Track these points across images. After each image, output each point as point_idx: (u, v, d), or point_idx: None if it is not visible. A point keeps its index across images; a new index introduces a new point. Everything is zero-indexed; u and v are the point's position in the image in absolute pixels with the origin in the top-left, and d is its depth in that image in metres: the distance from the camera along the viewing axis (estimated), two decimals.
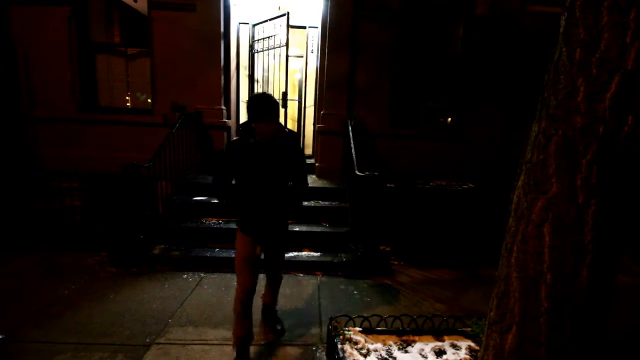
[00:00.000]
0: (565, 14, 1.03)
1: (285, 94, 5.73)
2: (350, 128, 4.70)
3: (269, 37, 5.80)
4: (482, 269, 3.97)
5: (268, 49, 5.88)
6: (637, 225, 1.09)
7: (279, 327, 2.65)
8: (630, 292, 3.48)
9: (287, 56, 5.49)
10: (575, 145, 1.00)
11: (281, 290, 3.41)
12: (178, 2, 4.81)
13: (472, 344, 2.05)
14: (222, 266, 3.70)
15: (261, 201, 2.18)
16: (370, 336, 2.11)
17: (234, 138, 2.17)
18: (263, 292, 2.62)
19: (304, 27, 5.73)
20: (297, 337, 2.63)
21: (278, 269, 2.54)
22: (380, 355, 1.96)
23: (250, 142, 2.08)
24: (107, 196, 4.64)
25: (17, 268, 3.62)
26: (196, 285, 3.37)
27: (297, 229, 4.07)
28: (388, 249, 4.38)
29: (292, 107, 6.42)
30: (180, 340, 2.55)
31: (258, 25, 5.83)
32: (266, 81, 6.85)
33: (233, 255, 2.32)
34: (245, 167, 2.13)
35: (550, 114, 1.06)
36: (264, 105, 2.02)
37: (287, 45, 5.36)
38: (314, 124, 5.64)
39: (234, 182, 2.22)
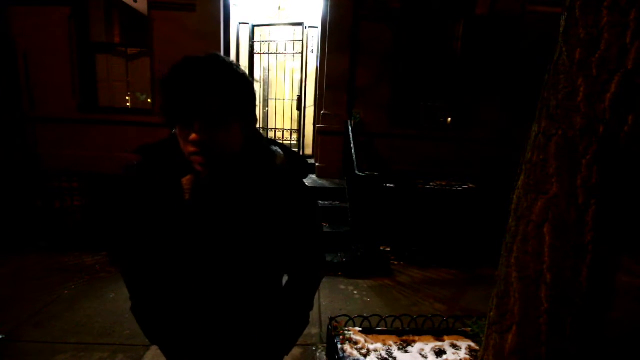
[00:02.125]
0: (565, 14, 1.03)
1: (300, 98, 5.77)
2: (350, 128, 4.70)
3: (275, 42, 5.83)
4: (482, 269, 3.97)
5: (277, 54, 5.90)
6: (637, 225, 1.09)
7: None
8: (630, 292, 3.48)
9: (302, 62, 5.57)
10: (575, 145, 1.00)
11: None
12: (178, 2, 4.81)
13: (472, 344, 2.05)
14: None
15: (202, 320, 0.97)
16: (370, 336, 2.11)
17: (134, 166, 0.93)
18: None
19: (304, 26, 5.73)
20: None
21: None
22: (380, 355, 1.96)
23: (171, 186, 0.89)
24: (107, 196, 4.63)
25: (16, 268, 3.62)
26: None
27: None
28: (388, 249, 4.38)
29: (292, 106, 6.43)
30: None
31: (261, 27, 5.84)
32: (267, 81, 6.86)
33: None
34: (162, 241, 0.92)
35: (550, 114, 1.05)
36: (204, 84, 0.76)
37: (302, 53, 5.42)
38: (314, 124, 5.64)
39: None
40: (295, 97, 6.22)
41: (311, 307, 1.12)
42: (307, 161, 1.07)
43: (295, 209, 0.98)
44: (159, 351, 2.50)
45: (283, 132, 6.31)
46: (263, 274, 1.00)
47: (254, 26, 5.73)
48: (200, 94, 0.76)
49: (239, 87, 0.82)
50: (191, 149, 0.80)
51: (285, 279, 1.11)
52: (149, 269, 0.97)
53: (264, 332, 1.03)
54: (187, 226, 0.89)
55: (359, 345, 2.00)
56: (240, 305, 0.97)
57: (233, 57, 5.45)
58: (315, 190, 4.67)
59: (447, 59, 5.22)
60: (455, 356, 1.95)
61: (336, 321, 2.16)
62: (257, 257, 0.95)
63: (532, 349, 1.12)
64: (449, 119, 5.43)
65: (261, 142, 0.97)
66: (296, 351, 2.47)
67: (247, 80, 0.84)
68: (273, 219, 0.94)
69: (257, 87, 6.53)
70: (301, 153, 6.04)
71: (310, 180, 5.06)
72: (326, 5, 4.94)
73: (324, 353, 2.44)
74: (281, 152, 1.00)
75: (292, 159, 1.00)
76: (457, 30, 5.19)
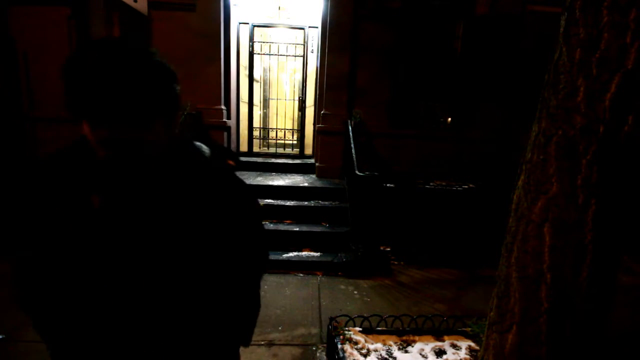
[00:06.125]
0: (565, 14, 1.03)
1: (300, 98, 5.77)
2: (350, 128, 4.70)
3: (276, 43, 5.85)
4: (482, 269, 3.97)
5: (278, 55, 5.91)
6: (637, 225, 1.09)
7: None
8: (630, 292, 3.47)
9: (303, 63, 5.61)
10: (575, 145, 1.00)
11: (281, 290, 3.41)
12: (178, 2, 4.81)
13: (472, 344, 2.05)
14: None
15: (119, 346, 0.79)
16: (371, 336, 2.11)
17: (38, 164, 0.82)
18: None
19: (305, 30, 5.73)
20: (297, 337, 2.63)
21: None
22: (381, 355, 1.96)
23: (79, 194, 0.74)
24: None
25: None
26: None
27: (297, 229, 4.07)
28: (388, 249, 4.38)
29: (292, 106, 6.43)
30: None
31: (261, 27, 5.84)
32: (267, 81, 6.87)
33: None
34: (66, 258, 0.75)
35: (550, 114, 1.06)
36: (121, 71, 0.62)
37: (303, 56, 5.42)
38: (314, 124, 5.64)
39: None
40: (295, 98, 6.22)
41: (249, 330, 0.99)
42: (236, 154, 0.97)
43: (224, 206, 0.84)
44: None
45: (285, 132, 6.31)
46: (192, 283, 0.82)
47: (254, 26, 5.73)
48: (114, 86, 0.61)
49: (154, 73, 0.68)
50: (103, 151, 0.66)
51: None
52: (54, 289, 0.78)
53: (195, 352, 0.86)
54: (98, 238, 0.73)
55: (359, 345, 2.00)
56: (165, 325, 0.81)
57: (233, 56, 5.45)
58: (315, 190, 4.67)
59: (447, 58, 5.22)
60: (456, 356, 1.95)
61: (336, 321, 2.16)
62: (185, 265, 0.79)
63: (532, 349, 1.12)
64: (449, 119, 5.43)
65: (184, 139, 0.87)
66: (296, 351, 2.48)
67: (170, 70, 0.72)
68: (199, 220, 0.80)
69: (257, 87, 6.54)
70: (302, 153, 6.06)
71: (310, 179, 5.06)
72: (326, 6, 4.94)
73: (324, 353, 2.44)
74: (206, 148, 0.90)
75: (219, 153, 0.91)
76: (457, 30, 5.19)
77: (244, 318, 0.96)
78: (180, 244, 0.78)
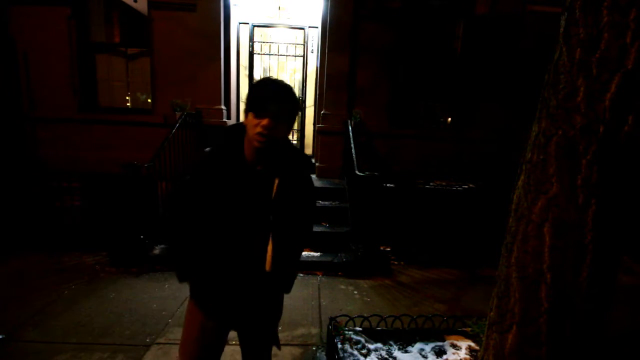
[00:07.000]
0: (565, 14, 1.03)
1: (300, 99, 5.80)
2: (350, 128, 4.70)
3: (276, 43, 5.85)
4: (482, 269, 3.97)
5: (278, 55, 5.91)
6: (637, 225, 1.09)
7: None
8: (630, 292, 3.47)
9: (303, 63, 5.62)
10: (575, 145, 1.00)
11: None
12: (178, 2, 4.81)
13: (472, 344, 2.05)
14: None
15: (245, 267, 1.33)
16: (371, 336, 2.11)
17: (206, 150, 1.37)
18: None
19: (305, 30, 5.73)
20: (297, 337, 2.63)
21: None
22: (381, 355, 1.96)
23: (236, 164, 1.28)
24: (107, 196, 4.63)
25: (17, 268, 3.62)
26: None
27: None
28: (388, 249, 4.38)
29: None
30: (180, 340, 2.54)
31: (261, 27, 5.84)
32: None
33: None
34: (219, 210, 1.28)
35: (550, 114, 1.06)
36: (281, 94, 1.21)
37: (303, 56, 5.41)
38: (314, 124, 5.64)
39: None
40: None
41: (298, 261, 1.58)
42: (310, 159, 1.51)
43: (307, 191, 1.40)
44: (159, 351, 2.50)
45: None
46: (287, 232, 1.35)
47: (254, 26, 5.73)
48: (278, 98, 1.19)
49: (295, 102, 1.25)
50: (259, 129, 1.17)
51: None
52: (200, 225, 1.31)
53: (275, 276, 1.39)
54: (244, 191, 1.27)
55: (359, 345, 2.00)
56: (262, 257, 1.31)
57: (233, 56, 5.45)
58: (315, 190, 4.67)
59: (447, 59, 5.22)
60: (455, 356, 1.95)
61: (336, 321, 2.16)
62: (287, 218, 1.33)
63: (532, 349, 1.12)
64: (449, 119, 5.43)
65: (290, 142, 1.43)
66: (296, 351, 2.47)
67: (297, 97, 1.28)
68: (296, 196, 1.33)
69: None
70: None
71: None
72: (326, 6, 4.94)
73: (324, 353, 2.44)
74: (295, 150, 1.46)
75: (305, 157, 1.48)
76: (457, 30, 5.19)
77: (294, 270, 1.57)
78: (287, 204, 1.31)
